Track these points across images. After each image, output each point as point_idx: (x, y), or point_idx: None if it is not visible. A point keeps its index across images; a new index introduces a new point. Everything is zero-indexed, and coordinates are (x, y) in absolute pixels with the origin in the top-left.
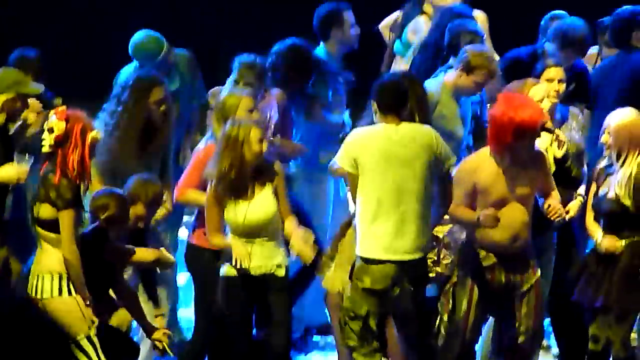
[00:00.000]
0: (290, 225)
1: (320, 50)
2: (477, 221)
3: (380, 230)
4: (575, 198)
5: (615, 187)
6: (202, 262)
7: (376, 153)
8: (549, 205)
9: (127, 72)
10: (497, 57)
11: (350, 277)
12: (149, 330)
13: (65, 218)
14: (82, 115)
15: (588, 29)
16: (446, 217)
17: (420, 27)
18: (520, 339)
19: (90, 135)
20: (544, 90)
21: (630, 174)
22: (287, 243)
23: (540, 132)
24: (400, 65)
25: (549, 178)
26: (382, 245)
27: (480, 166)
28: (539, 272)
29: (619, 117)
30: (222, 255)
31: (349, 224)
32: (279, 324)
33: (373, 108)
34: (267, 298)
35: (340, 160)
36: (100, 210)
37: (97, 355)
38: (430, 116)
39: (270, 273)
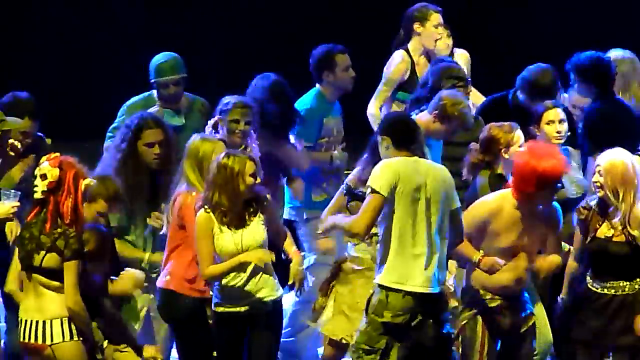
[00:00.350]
0: (291, 247)
1: (312, 92)
2: (476, 263)
3: (408, 260)
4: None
5: (628, 228)
6: (185, 309)
7: (410, 183)
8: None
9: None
10: (476, 99)
11: (366, 311)
12: (139, 350)
13: (71, 268)
14: (75, 162)
15: (554, 74)
16: None
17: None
18: None
19: (83, 183)
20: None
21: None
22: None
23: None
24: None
25: (558, 239)
26: (410, 276)
27: (501, 210)
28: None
29: (609, 157)
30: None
31: (338, 268)
32: None
33: (384, 144)
34: (251, 335)
35: (379, 184)
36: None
37: None
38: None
39: (256, 308)
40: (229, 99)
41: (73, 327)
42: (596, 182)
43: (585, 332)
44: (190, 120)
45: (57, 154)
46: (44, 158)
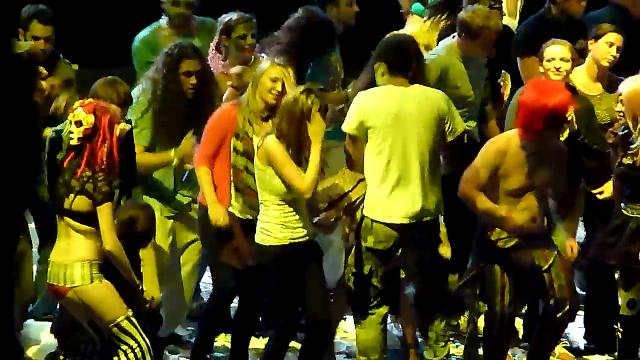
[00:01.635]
0: None
1: None
2: (503, 221)
3: (386, 192)
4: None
5: None
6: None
7: (387, 114)
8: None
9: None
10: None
11: (356, 236)
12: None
13: (105, 211)
14: (108, 106)
15: None
16: None
17: None
18: (559, 314)
19: (119, 128)
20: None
21: None
22: None
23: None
24: (414, 24)
25: (564, 177)
26: (388, 208)
27: (508, 150)
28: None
29: (630, 85)
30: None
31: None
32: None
33: (380, 70)
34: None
35: (348, 123)
36: (127, 224)
37: (140, 334)
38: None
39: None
40: (229, 16)
41: (95, 270)
42: (620, 110)
43: (621, 256)
44: (203, 43)
45: (91, 99)
46: (77, 103)
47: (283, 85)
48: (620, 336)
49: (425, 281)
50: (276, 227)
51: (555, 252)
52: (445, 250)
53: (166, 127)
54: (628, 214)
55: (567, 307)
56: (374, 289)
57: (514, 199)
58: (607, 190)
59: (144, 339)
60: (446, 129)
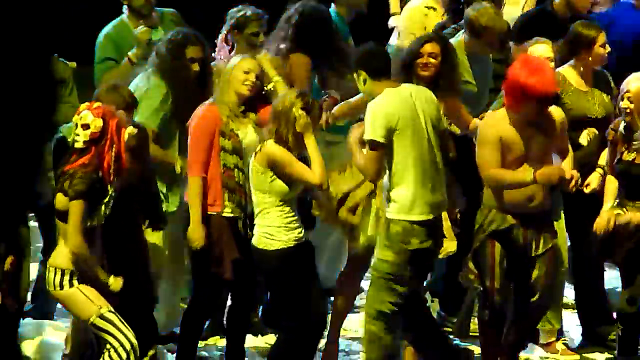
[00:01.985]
0: None
1: (332, 12)
2: (534, 179)
3: (425, 190)
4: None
5: None
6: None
7: (407, 115)
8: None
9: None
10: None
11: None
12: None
13: (73, 209)
14: (117, 112)
15: None
16: None
17: None
18: (533, 301)
19: (126, 132)
20: None
21: None
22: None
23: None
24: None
25: (564, 139)
26: (423, 205)
27: (500, 122)
28: (557, 239)
29: (635, 80)
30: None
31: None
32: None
33: (361, 78)
34: None
35: (374, 134)
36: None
37: (118, 329)
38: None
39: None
40: (243, 11)
41: (65, 279)
42: (626, 107)
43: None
44: (166, 33)
45: (99, 102)
46: (83, 106)
47: (257, 77)
48: (620, 333)
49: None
50: (280, 230)
51: (551, 244)
52: (450, 245)
53: (176, 116)
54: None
55: (537, 297)
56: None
57: (513, 169)
58: (593, 182)
59: (125, 336)
60: (440, 124)
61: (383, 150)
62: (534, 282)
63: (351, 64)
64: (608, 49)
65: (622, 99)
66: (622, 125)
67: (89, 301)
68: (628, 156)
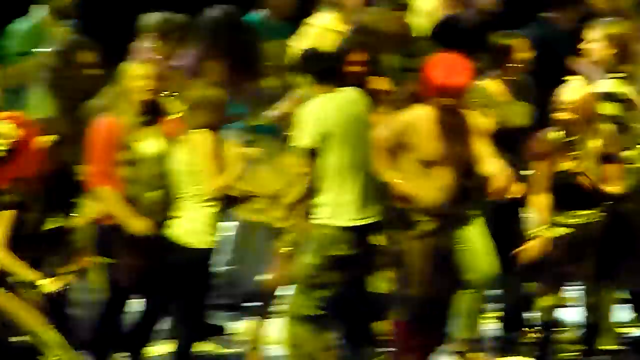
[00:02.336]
0: None
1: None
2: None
3: (348, 197)
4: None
5: (586, 162)
6: None
7: (339, 121)
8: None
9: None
10: None
11: (309, 248)
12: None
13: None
14: (32, 120)
15: None
16: None
17: None
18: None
19: (42, 140)
20: None
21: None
22: None
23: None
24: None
25: (482, 143)
26: (349, 211)
27: (418, 122)
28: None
29: (576, 92)
30: None
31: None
32: None
33: (305, 80)
34: None
35: (306, 138)
36: None
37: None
38: None
39: None
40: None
41: None
42: (566, 119)
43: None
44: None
45: (15, 112)
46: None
47: (156, 81)
48: (536, 339)
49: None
50: (206, 228)
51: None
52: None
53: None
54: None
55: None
56: (324, 300)
57: (425, 169)
58: (517, 191)
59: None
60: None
61: (312, 154)
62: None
63: (263, 69)
64: (530, 55)
65: (560, 111)
66: (558, 135)
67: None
68: (569, 165)
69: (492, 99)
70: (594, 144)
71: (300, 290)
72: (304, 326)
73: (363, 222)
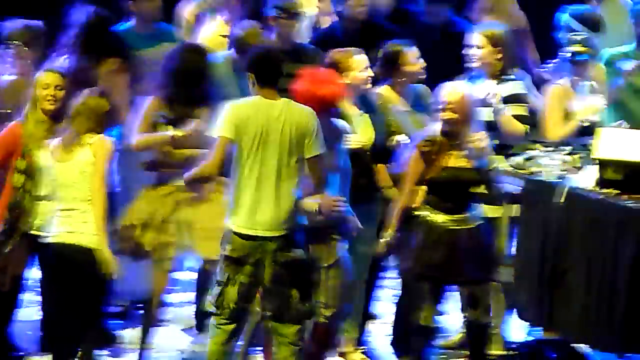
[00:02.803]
0: None
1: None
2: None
3: (244, 203)
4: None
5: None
6: None
7: (253, 126)
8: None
9: None
10: None
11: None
12: None
13: None
14: None
15: None
16: None
17: None
18: (323, 315)
19: None
20: None
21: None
22: None
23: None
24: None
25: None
26: (243, 219)
27: None
28: (341, 251)
29: (457, 92)
30: None
31: None
32: None
33: (250, 80)
34: None
35: (222, 128)
36: None
37: None
38: None
39: None
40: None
41: None
42: (449, 118)
43: (430, 268)
44: None
45: None
46: None
47: (59, 89)
48: (417, 345)
49: (279, 300)
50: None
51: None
52: None
53: None
54: (439, 224)
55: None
56: (226, 300)
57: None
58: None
59: None
60: (305, 145)
61: (226, 144)
62: (322, 297)
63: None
64: (420, 64)
65: (443, 110)
66: (436, 134)
67: None
68: (455, 162)
69: (385, 107)
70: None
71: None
72: (211, 320)
73: (257, 233)
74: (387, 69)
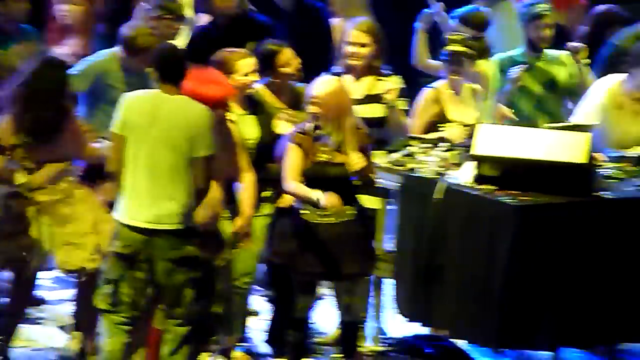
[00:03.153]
0: None
1: None
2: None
3: (132, 196)
4: None
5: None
6: None
7: (144, 119)
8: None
9: None
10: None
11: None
12: None
13: None
14: None
15: None
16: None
17: None
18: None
19: None
20: None
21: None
22: None
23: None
24: None
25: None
26: (129, 210)
27: None
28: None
29: (324, 87)
30: None
31: None
32: None
33: (152, 76)
34: None
35: (113, 124)
36: None
37: None
38: None
39: None
40: None
41: None
42: (315, 113)
43: (306, 263)
44: None
45: None
46: None
47: None
48: (292, 339)
49: (171, 298)
50: None
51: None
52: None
53: None
54: (315, 220)
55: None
56: (121, 298)
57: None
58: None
59: None
60: (195, 144)
61: (118, 140)
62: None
63: None
64: (295, 64)
65: (310, 104)
66: (309, 128)
67: None
68: (322, 157)
69: (266, 106)
70: (338, 138)
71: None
72: (105, 320)
73: (144, 225)
74: (263, 68)
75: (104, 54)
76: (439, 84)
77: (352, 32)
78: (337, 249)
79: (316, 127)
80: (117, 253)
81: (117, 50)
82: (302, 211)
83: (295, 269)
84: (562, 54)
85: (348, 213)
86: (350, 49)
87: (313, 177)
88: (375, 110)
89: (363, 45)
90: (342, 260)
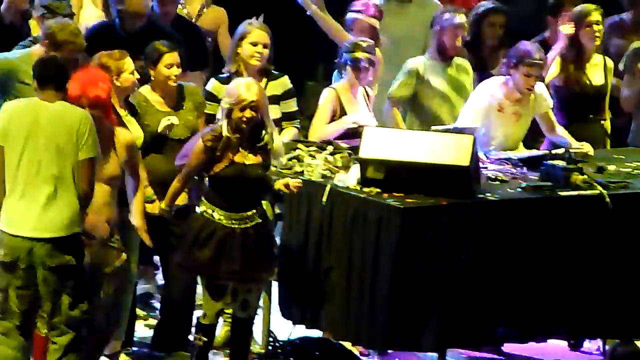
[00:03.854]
0: None
1: None
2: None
3: (14, 203)
4: None
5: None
6: None
7: (22, 127)
8: None
9: None
10: None
11: None
12: None
13: None
14: None
15: None
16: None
17: None
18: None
19: None
20: None
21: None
22: None
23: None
24: None
25: (133, 164)
26: (12, 219)
27: None
28: (124, 256)
29: (255, 89)
30: None
31: None
32: None
33: (32, 85)
34: None
35: None
36: None
37: None
38: None
39: None
40: None
41: None
42: (250, 117)
43: (219, 268)
44: None
45: None
46: None
47: None
48: (201, 344)
49: (50, 306)
50: None
51: (119, 262)
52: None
53: None
54: (215, 221)
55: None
56: (10, 306)
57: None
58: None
59: None
60: (76, 147)
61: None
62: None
63: None
64: (175, 70)
65: (238, 107)
66: (224, 129)
67: None
68: (241, 159)
69: (152, 109)
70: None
71: None
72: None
73: (25, 234)
74: (149, 68)
75: (21, 51)
76: (339, 84)
77: (255, 32)
78: (250, 251)
79: (239, 130)
80: (1, 262)
81: (36, 48)
82: (206, 214)
83: (208, 274)
84: (466, 62)
85: (258, 215)
86: (254, 49)
87: (228, 178)
88: (271, 112)
89: (266, 46)
90: (255, 262)
